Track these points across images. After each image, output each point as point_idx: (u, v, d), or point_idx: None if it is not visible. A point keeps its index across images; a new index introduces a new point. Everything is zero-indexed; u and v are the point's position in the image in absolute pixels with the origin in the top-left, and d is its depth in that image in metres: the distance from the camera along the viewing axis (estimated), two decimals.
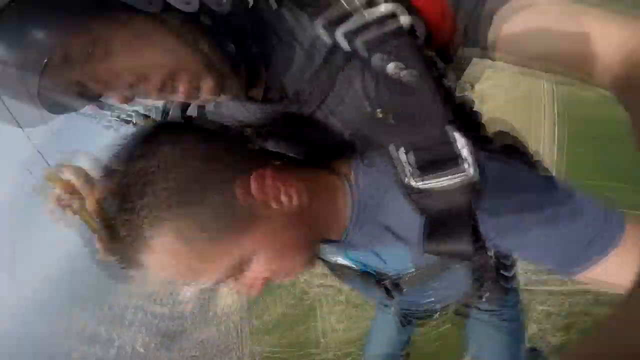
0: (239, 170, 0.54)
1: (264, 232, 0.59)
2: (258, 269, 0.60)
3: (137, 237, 0.49)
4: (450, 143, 0.53)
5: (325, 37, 0.57)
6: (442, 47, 0.60)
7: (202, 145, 0.55)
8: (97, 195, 0.51)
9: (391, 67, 0.51)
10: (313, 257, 0.69)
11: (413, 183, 0.57)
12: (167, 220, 0.48)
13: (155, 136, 0.55)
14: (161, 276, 0.60)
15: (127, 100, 0.60)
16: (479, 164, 0.55)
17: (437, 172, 0.55)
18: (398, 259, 0.72)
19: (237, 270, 0.57)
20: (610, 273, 0.49)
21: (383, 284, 0.77)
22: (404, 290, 0.78)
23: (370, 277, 0.78)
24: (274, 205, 0.57)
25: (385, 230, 0.64)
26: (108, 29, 0.49)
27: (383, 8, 0.52)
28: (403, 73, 0.51)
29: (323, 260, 0.83)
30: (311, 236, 0.63)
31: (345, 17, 0.54)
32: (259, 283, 0.61)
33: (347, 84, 0.59)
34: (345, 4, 0.54)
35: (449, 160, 0.54)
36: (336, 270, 0.85)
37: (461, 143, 0.53)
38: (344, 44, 0.56)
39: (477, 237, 0.61)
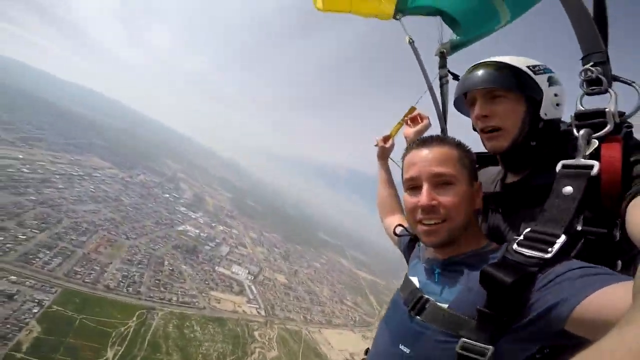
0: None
1: (469, 191, 1.16)
2: (449, 193, 1.12)
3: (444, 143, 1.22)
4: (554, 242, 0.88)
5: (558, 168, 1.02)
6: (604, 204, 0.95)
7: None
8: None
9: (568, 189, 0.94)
10: (450, 238, 1.14)
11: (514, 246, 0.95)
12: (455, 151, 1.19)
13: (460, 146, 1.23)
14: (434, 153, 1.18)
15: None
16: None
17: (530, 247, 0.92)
18: (449, 292, 1.10)
19: (450, 182, 1.13)
20: None
21: (416, 302, 1.13)
22: (422, 315, 1.10)
23: (413, 294, 1.19)
24: (477, 191, 1.20)
25: (469, 271, 1.09)
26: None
27: (584, 162, 0.95)
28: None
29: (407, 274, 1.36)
30: (464, 228, 1.15)
31: (572, 155, 1.00)
32: (435, 201, 1.12)
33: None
34: (577, 153, 1.00)
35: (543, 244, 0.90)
36: (404, 282, 1.33)
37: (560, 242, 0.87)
38: (558, 168, 1.01)
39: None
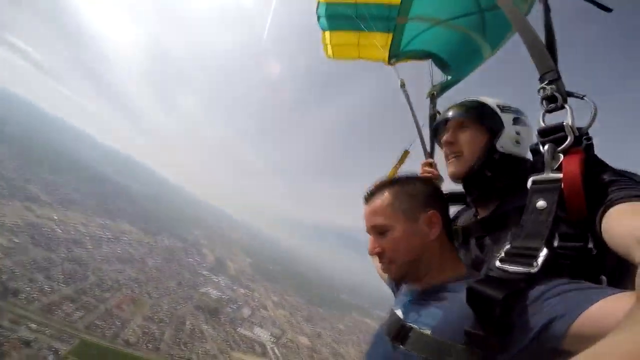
0: (436, 206, 1.18)
1: (410, 228, 1.14)
2: (386, 239, 1.15)
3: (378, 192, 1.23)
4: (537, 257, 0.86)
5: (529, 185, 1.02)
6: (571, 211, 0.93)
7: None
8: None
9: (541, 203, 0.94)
10: (401, 274, 1.18)
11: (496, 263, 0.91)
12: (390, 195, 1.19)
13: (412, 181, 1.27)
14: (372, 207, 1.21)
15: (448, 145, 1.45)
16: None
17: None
18: (432, 317, 1.02)
19: (384, 230, 1.16)
20: None
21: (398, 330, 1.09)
22: (405, 344, 1.03)
23: (394, 325, 1.13)
24: (424, 224, 1.14)
25: (451, 295, 1.04)
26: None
27: (552, 175, 0.97)
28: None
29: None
30: (417, 263, 1.15)
31: (538, 171, 1.01)
32: (377, 249, 1.18)
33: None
34: (545, 167, 1.00)
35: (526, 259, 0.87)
36: (388, 315, 1.26)
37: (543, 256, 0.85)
38: (529, 185, 1.01)
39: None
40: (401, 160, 2.29)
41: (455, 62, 2.61)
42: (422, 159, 2.28)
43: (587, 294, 0.72)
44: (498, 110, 1.31)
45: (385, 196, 1.19)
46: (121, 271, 70.22)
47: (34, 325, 38.65)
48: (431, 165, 2.13)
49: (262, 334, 72.43)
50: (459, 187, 1.51)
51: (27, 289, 45.40)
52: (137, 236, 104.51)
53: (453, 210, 1.68)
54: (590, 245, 0.90)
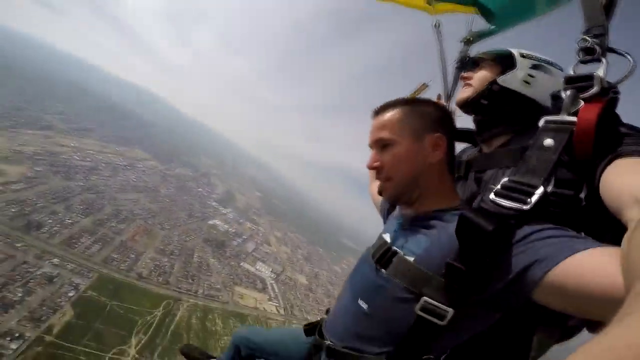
0: (443, 131, 1.13)
1: (414, 146, 1.11)
2: (388, 154, 1.13)
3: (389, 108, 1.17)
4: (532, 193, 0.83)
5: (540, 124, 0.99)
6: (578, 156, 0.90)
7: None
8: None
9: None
10: (396, 194, 1.16)
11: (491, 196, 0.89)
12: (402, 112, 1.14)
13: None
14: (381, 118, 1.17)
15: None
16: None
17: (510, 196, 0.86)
18: (418, 245, 1.02)
19: (388, 144, 1.13)
20: None
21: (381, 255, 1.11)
22: (388, 268, 1.04)
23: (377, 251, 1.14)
24: (429, 145, 1.11)
25: (441, 225, 1.02)
26: None
27: (567, 118, 0.93)
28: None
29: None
30: (414, 184, 1.12)
31: (554, 114, 0.98)
32: (377, 163, 1.15)
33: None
34: (562, 110, 0.97)
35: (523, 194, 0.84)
36: (376, 240, 1.28)
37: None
38: (541, 124, 0.98)
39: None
40: (417, 92, 2.24)
41: (503, 11, 2.40)
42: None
43: (572, 243, 0.69)
44: (517, 55, 1.34)
45: (395, 111, 1.16)
46: (136, 201, 73.65)
47: (56, 260, 41.67)
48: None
49: (264, 270, 77.23)
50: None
51: (50, 221, 48.19)
52: (150, 164, 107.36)
53: (459, 146, 1.72)
54: (582, 195, 0.90)
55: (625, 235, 0.57)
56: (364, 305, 1.05)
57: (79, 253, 46.11)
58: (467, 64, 1.53)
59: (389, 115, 1.16)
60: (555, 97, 1.08)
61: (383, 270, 1.04)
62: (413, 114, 1.14)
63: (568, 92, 0.97)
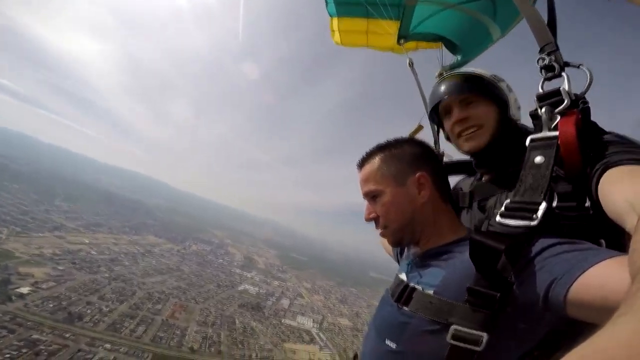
0: (425, 168, 1.09)
1: (399, 192, 1.09)
2: (378, 204, 1.11)
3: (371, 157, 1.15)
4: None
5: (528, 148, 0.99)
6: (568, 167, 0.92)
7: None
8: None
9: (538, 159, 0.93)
10: (397, 239, 1.14)
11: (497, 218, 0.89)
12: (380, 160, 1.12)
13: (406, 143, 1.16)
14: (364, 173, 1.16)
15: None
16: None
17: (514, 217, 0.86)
18: (434, 277, 0.98)
19: (375, 195, 1.12)
20: None
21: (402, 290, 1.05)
22: (409, 305, 0.98)
23: (399, 286, 1.08)
24: (413, 187, 1.08)
25: (453, 255, 1.00)
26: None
27: (549, 133, 0.96)
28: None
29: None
30: (411, 227, 1.10)
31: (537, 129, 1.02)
32: (372, 214, 1.14)
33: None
34: (543, 127, 0.99)
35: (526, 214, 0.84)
36: (393, 281, 1.21)
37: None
38: (527, 143, 0.99)
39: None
40: (414, 133, 2.20)
41: (465, 44, 2.62)
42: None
43: (585, 255, 0.68)
44: (495, 82, 1.29)
45: (374, 161, 1.14)
46: (163, 282, 70.73)
47: (108, 345, 39.10)
48: None
49: (305, 322, 73.45)
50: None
51: (89, 311, 45.91)
52: (166, 247, 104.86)
53: (454, 180, 1.60)
54: (588, 204, 0.88)
55: (631, 246, 0.57)
56: (392, 345, 0.98)
57: (127, 337, 43.30)
58: (440, 101, 1.35)
59: (369, 166, 1.16)
60: (534, 116, 1.08)
61: (405, 307, 0.99)
62: (391, 159, 1.13)
63: (544, 109, 1.01)
